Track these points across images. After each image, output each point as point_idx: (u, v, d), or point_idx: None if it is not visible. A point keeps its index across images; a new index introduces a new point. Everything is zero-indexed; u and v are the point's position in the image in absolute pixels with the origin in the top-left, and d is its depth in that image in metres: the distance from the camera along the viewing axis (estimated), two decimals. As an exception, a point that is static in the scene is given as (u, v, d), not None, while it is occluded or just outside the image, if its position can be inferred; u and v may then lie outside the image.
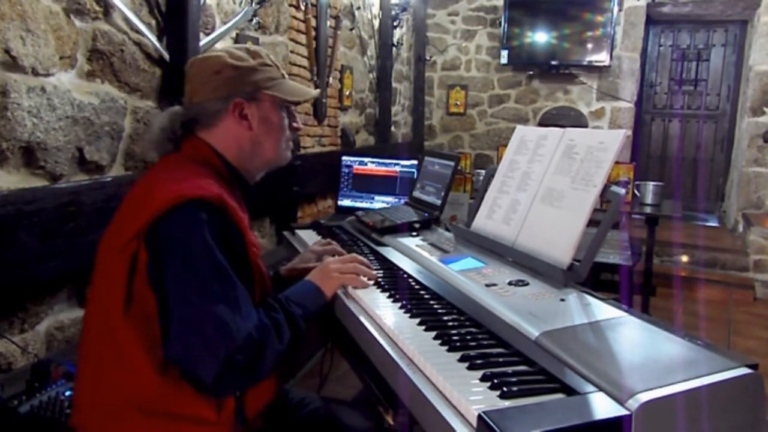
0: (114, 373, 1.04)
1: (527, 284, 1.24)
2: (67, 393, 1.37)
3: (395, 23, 5.05)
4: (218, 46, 2.48)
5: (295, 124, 1.29)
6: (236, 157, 1.22)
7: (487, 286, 1.23)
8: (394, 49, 5.13)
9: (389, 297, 1.25)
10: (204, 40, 2.43)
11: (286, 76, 1.28)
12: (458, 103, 6.24)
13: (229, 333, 0.99)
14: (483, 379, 0.86)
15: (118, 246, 1.04)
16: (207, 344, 0.98)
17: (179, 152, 1.21)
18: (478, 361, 0.91)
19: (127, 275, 1.02)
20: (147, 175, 1.19)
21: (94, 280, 1.11)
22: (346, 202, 2.98)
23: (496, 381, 0.84)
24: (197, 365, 1.00)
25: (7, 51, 1.60)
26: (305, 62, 3.52)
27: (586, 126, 5.70)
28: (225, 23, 2.64)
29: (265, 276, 1.21)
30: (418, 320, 1.11)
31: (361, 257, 1.39)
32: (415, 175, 2.57)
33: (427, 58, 6.14)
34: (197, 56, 1.25)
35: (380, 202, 2.92)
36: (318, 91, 1.41)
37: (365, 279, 1.32)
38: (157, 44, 2.17)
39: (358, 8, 4.36)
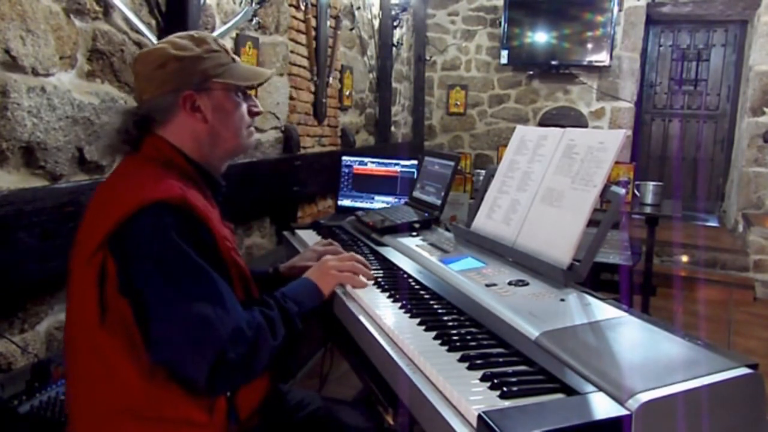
0: (101, 382, 1.03)
1: (527, 284, 1.24)
2: (67, 393, 1.37)
3: (395, 23, 5.05)
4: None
5: (254, 108, 1.23)
6: (196, 152, 1.17)
7: (487, 286, 1.23)
8: (394, 49, 5.12)
9: (389, 297, 1.25)
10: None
11: (237, 59, 1.22)
12: (458, 103, 6.24)
13: (213, 329, 0.97)
14: (483, 379, 0.86)
15: (85, 256, 1.02)
16: (193, 344, 0.97)
17: (139, 153, 1.16)
18: (478, 361, 0.91)
19: (98, 285, 1.00)
20: (107, 179, 1.15)
21: (68, 292, 1.09)
22: (346, 202, 2.98)
23: (496, 381, 0.84)
24: (187, 366, 0.99)
25: (7, 51, 1.60)
26: (305, 62, 3.52)
27: (586, 126, 5.70)
28: (225, 23, 2.64)
29: (242, 268, 1.18)
30: (418, 320, 1.11)
31: (359, 256, 1.39)
32: (415, 175, 2.57)
33: (427, 58, 6.14)
34: (141, 51, 1.19)
35: (380, 202, 2.91)
36: (272, 71, 1.33)
37: (363, 279, 1.31)
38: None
39: (358, 8, 4.36)
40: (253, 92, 1.26)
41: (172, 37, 1.17)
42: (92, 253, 1.01)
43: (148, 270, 0.99)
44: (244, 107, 1.21)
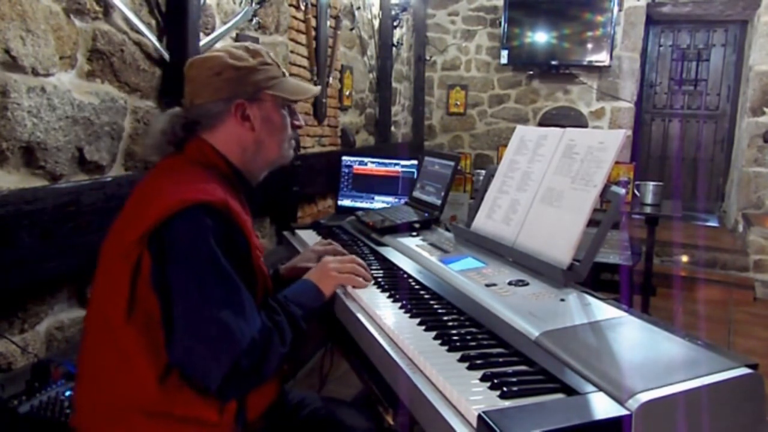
0: (115, 376, 1.04)
1: (527, 284, 1.24)
2: (67, 393, 1.37)
3: (395, 23, 5.05)
4: (218, 45, 2.48)
5: (296, 123, 1.28)
6: (239, 159, 1.20)
7: (487, 286, 1.23)
8: (394, 49, 5.12)
9: (389, 297, 1.25)
10: (204, 40, 2.43)
11: (287, 73, 1.27)
12: (458, 103, 6.24)
13: (233, 338, 0.99)
14: (483, 379, 0.86)
15: (120, 250, 1.03)
16: (211, 350, 0.98)
17: (182, 154, 1.19)
18: (478, 361, 0.91)
19: (130, 280, 1.02)
20: (149, 177, 1.18)
21: (95, 283, 1.10)
22: (346, 202, 2.98)
23: (496, 381, 0.84)
24: (202, 371, 1.00)
25: (7, 51, 1.60)
26: (305, 62, 3.52)
27: (586, 126, 5.70)
28: (225, 23, 2.64)
29: (267, 278, 1.21)
30: (418, 320, 1.11)
31: (359, 259, 1.39)
32: (415, 175, 2.56)
33: (427, 58, 6.14)
34: (196, 57, 1.23)
35: (380, 202, 2.91)
36: (319, 88, 1.40)
37: (363, 280, 1.32)
38: (157, 44, 2.17)
39: (358, 8, 4.36)
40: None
41: (227, 47, 1.21)
42: (129, 247, 1.02)
43: (181, 269, 1.00)
44: (289, 120, 1.26)
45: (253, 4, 2.80)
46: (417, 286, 1.33)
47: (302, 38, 3.46)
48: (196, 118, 1.18)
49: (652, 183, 3.49)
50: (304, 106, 3.55)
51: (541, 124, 5.76)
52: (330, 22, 3.75)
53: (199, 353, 0.99)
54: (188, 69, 1.21)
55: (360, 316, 1.16)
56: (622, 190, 1.23)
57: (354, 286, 1.29)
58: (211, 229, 1.02)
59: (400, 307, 1.18)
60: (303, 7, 3.40)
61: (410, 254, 1.57)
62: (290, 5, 3.28)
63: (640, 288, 3.41)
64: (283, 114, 1.24)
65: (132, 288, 1.02)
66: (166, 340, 1.01)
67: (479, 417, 0.73)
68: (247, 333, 1.01)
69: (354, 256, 1.41)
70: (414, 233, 1.78)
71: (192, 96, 1.19)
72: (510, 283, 1.24)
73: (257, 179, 1.27)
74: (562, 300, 1.15)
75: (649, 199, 3.44)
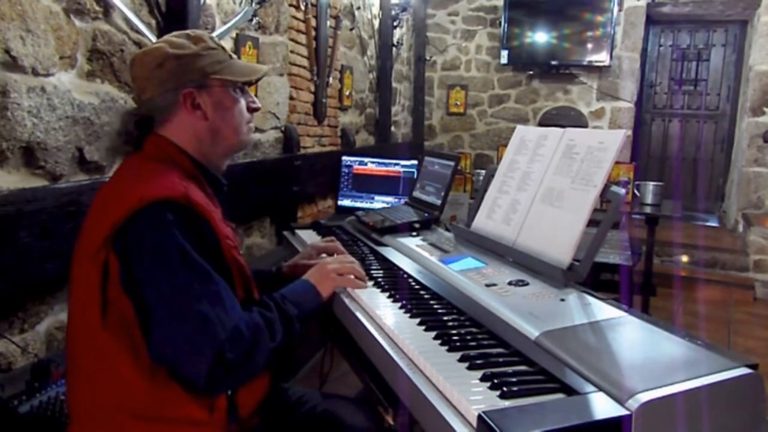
0: (101, 380, 1.03)
1: (527, 284, 1.24)
2: (67, 393, 1.37)
3: (395, 23, 5.05)
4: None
5: (252, 104, 1.24)
6: (197, 149, 1.17)
7: (487, 286, 1.23)
8: (394, 49, 5.12)
9: (389, 297, 1.25)
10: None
11: (234, 56, 1.23)
12: (458, 103, 6.24)
13: (213, 329, 0.98)
14: (483, 379, 0.86)
15: (88, 254, 1.02)
16: (193, 344, 0.97)
17: (141, 152, 1.17)
18: (478, 361, 0.91)
19: (101, 283, 1.01)
20: (110, 179, 1.16)
21: (70, 290, 1.09)
22: (346, 202, 2.98)
23: (496, 381, 0.84)
24: (186, 366, 0.99)
25: (7, 51, 1.60)
26: (305, 62, 3.52)
27: (586, 126, 5.70)
28: (225, 23, 2.64)
29: (243, 268, 1.18)
30: (418, 320, 1.11)
31: (357, 262, 1.39)
32: (415, 175, 2.56)
33: (427, 58, 6.14)
34: (138, 52, 1.20)
35: (380, 202, 2.91)
36: (269, 67, 1.35)
37: (361, 282, 1.31)
38: (157, 44, 2.17)
39: (358, 8, 4.36)
40: (252, 90, 1.26)
41: (168, 37, 1.18)
42: (95, 252, 1.01)
43: (149, 267, 0.99)
44: (243, 103, 1.22)
45: (253, 4, 2.80)
46: (417, 286, 1.33)
47: (302, 38, 3.46)
48: (147, 114, 1.16)
49: (652, 183, 3.49)
50: (304, 106, 3.56)
51: (541, 124, 5.76)
52: (330, 22, 3.75)
53: (181, 348, 0.98)
54: (131, 65, 1.18)
55: (360, 315, 1.16)
56: (622, 190, 1.23)
57: (353, 288, 1.29)
58: (173, 223, 1.00)
59: (400, 307, 1.18)
60: (303, 7, 3.40)
61: (410, 254, 1.57)
62: (290, 5, 3.28)
63: (640, 288, 3.42)
64: (235, 97, 1.20)
65: (103, 291, 1.01)
66: (145, 339, 1.00)
67: (479, 417, 0.73)
68: (227, 322, 0.99)
69: (353, 259, 1.41)
70: (414, 233, 1.78)
71: (139, 92, 1.17)
72: (510, 283, 1.24)
73: (220, 168, 1.24)
74: (562, 300, 1.15)
75: (649, 199, 3.44)
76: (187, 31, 1.20)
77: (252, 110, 1.25)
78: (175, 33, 1.19)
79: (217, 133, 1.18)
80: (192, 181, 1.13)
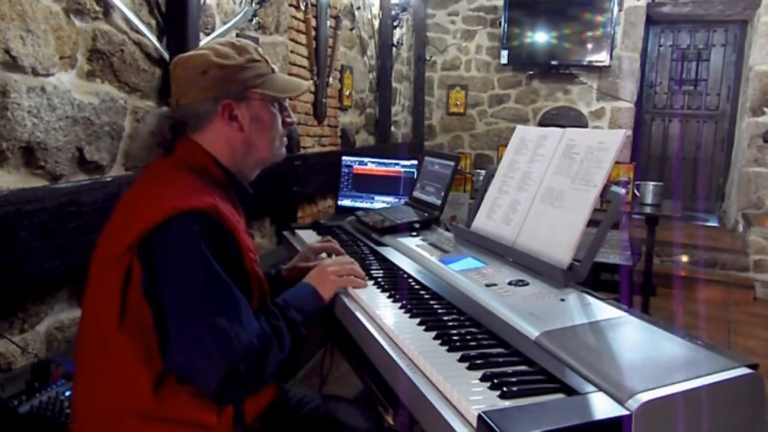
0: (110, 382, 1.03)
1: (527, 284, 1.24)
2: (67, 393, 1.37)
3: (395, 23, 5.05)
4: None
5: (288, 120, 1.24)
6: (229, 159, 1.18)
7: (487, 286, 1.23)
8: (394, 49, 5.12)
9: (389, 297, 1.25)
10: (204, 40, 2.42)
11: (276, 69, 1.23)
12: (458, 103, 6.24)
13: (229, 344, 0.98)
14: (483, 379, 0.86)
15: (111, 257, 1.02)
16: (208, 357, 0.98)
17: (172, 156, 1.16)
18: (478, 361, 0.91)
19: (122, 287, 1.01)
20: (138, 181, 1.16)
21: (87, 290, 1.09)
22: (346, 202, 2.98)
23: (496, 381, 0.84)
24: (199, 377, 0.99)
25: (7, 51, 1.60)
26: (305, 62, 3.52)
27: (586, 126, 5.70)
28: (225, 23, 2.64)
29: (262, 281, 1.19)
30: (418, 320, 1.11)
31: (355, 262, 1.39)
32: (415, 175, 2.56)
33: (427, 58, 6.14)
34: (182, 55, 1.19)
35: (380, 202, 2.91)
36: (310, 83, 1.34)
37: (361, 281, 1.31)
38: (157, 44, 2.17)
39: (358, 8, 4.36)
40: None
41: (213, 44, 1.18)
42: (119, 255, 1.01)
43: (172, 278, 0.99)
44: (280, 118, 1.22)
45: (253, 4, 2.80)
46: (417, 286, 1.33)
47: (302, 38, 3.46)
48: (183, 119, 1.16)
49: (652, 183, 3.49)
50: (304, 106, 3.56)
51: (541, 124, 5.76)
52: (330, 22, 3.75)
53: (196, 360, 0.98)
54: (173, 68, 1.18)
55: (360, 316, 1.16)
56: (622, 190, 1.23)
57: (354, 287, 1.29)
58: (200, 235, 1.00)
59: (400, 307, 1.18)
60: (303, 7, 3.40)
61: (410, 254, 1.57)
62: (290, 5, 3.28)
63: (640, 288, 3.42)
64: (273, 112, 1.21)
65: (123, 296, 1.01)
66: (160, 346, 1.00)
67: (479, 417, 0.73)
68: (243, 338, 1.00)
69: (351, 258, 1.41)
70: (414, 233, 1.78)
71: (178, 96, 1.16)
72: (510, 283, 1.24)
73: (249, 179, 1.24)
74: (562, 300, 1.15)
75: (649, 199, 3.44)
76: (232, 40, 1.20)
77: (287, 125, 1.25)
78: (220, 41, 1.19)
79: (251, 146, 1.19)
80: (220, 189, 1.13)
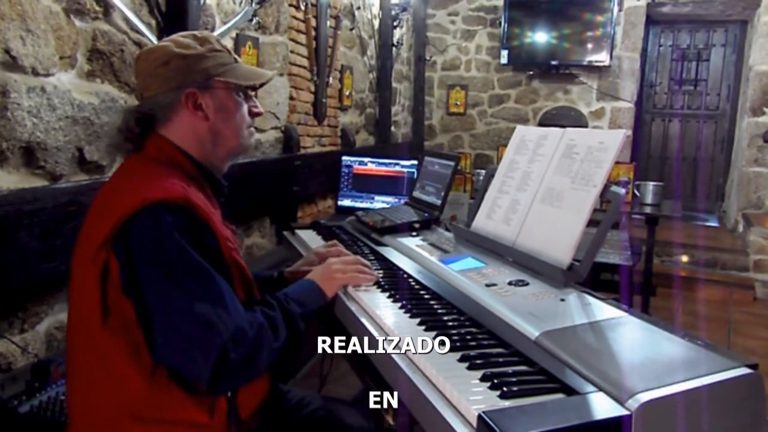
0: (101, 383, 1.03)
1: (527, 284, 1.24)
2: (67, 393, 1.37)
3: (395, 23, 5.05)
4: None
5: (255, 109, 1.24)
6: (198, 151, 1.17)
7: (487, 286, 1.23)
8: (394, 49, 5.12)
9: (389, 297, 1.25)
10: (204, 40, 2.42)
11: (239, 60, 1.23)
12: (458, 103, 6.24)
13: (215, 330, 0.98)
14: (483, 379, 0.86)
15: (88, 256, 1.02)
16: (196, 345, 0.97)
17: (142, 152, 1.16)
18: (478, 361, 0.91)
19: (100, 285, 1.00)
20: (110, 180, 1.16)
21: (70, 291, 1.09)
22: (346, 202, 2.98)
23: (496, 381, 0.84)
24: (190, 367, 0.99)
25: (7, 51, 1.60)
26: (305, 62, 3.52)
27: (586, 126, 5.70)
28: (225, 23, 2.64)
29: (244, 269, 1.18)
30: (418, 320, 1.10)
31: (364, 260, 1.39)
32: (415, 175, 2.56)
33: (427, 58, 6.14)
34: (144, 48, 1.20)
35: (380, 202, 2.91)
36: (274, 73, 1.33)
37: (368, 276, 1.31)
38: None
39: (358, 8, 4.36)
40: (253, 93, 1.27)
41: (174, 36, 1.18)
42: (95, 253, 1.01)
43: (149, 269, 0.99)
44: (245, 107, 1.22)
45: (253, 4, 2.80)
46: (417, 286, 1.33)
47: (302, 38, 3.46)
48: (150, 112, 1.15)
49: (652, 183, 3.49)
50: (304, 106, 3.56)
51: (541, 124, 5.76)
52: (330, 22, 3.76)
53: (184, 350, 0.98)
54: (136, 62, 1.18)
55: (360, 316, 1.16)
56: (622, 190, 1.23)
57: (359, 284, 1.29)
58: (173, 225, 1.00)
59: (400, 307, 1.18)
60: (303, 7, 3.40)
61: (410, 254, 1.57)
62: (290, 5, 3.28)
63: (640, 288, 3.41)
64: (238, 101, 1.20)
65: (103, 293, 1.01)
66: (146, 341, 1.00)
67: (479, 417, 0.73)
68: (229, 323, 0.99)
69: (359, 257, 1.41)
70: (414, 233, 1.77)
71: (142, 89, 1.17)
72: (510, 283, 1.24)
73: (221, 170, 1.24)
74: (562, 300, 1.15)
75: (649, 199, 3.44)
76: (194, 32, 1.20)
77: (254, 115, 1.24)
78: (181, 33, 1.19)
79: (217, 135, 1.18)
80: (192, 182, 1.13)
